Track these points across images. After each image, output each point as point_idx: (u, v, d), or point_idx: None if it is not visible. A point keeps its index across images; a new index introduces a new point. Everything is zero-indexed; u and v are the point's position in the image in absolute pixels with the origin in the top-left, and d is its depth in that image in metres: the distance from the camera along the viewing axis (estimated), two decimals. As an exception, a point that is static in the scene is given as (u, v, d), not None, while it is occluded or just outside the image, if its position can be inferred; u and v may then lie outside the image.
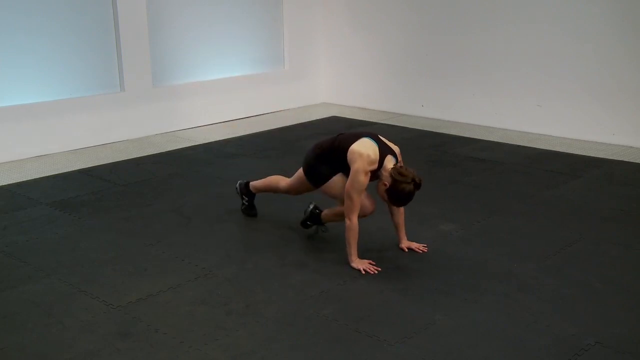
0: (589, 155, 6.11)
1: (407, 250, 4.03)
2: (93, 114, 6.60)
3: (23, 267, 3.89)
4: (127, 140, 6.83)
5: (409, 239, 4.10)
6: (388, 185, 3.65)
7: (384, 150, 3.75)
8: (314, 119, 7.84)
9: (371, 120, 7.66)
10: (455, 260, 3.93)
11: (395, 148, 3.87)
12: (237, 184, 4.67)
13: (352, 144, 3.76)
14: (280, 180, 4.41)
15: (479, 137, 6.82)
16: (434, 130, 7.18)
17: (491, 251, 4.05)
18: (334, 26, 8.50)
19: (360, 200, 3.77)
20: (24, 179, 5.53)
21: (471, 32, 7.27)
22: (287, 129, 7.32)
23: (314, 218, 4.27)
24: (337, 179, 3.90)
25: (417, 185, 3.62)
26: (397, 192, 3.63)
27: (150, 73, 6.95)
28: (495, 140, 6.71)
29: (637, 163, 5.84)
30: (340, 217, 3.99)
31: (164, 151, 6.43)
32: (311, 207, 4.28)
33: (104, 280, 3.71)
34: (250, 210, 4.63)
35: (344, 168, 3.84)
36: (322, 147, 4.01)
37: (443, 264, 3.88)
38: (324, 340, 3.09)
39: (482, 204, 4.88)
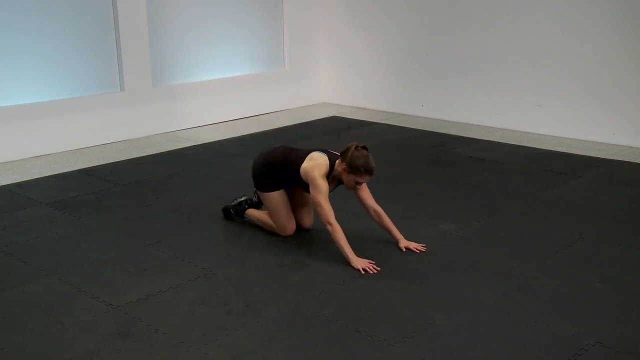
0: (589, 155, 6.11)
1: (405, 250, 4.03)
2: (93, 114, 6.60)
3: (23, 267, 3.89)
4: (127, 140, 6.83)
5: (409, 238, 4.10)
6: (346, 167, 3.82)
7: (333, 156, 3.98)
8: (314, 119, 7.84)
9: (371, 120, 7.66)
10: (455, 260, 3.93)
11: None
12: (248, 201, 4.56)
13: (302, 162, 3.96)
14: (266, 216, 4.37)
15: (479, 137, 6.82)
16: (434, 130, 7.18)
17: (491, 251, 4.05)
18: (334, 26, 8.50)
19: (287, 219, 4.18)
20: (24, 179, 5.53)
21: (471, 32, 7.27)
22: (287, 129, 7.32)
23: (238, 212, 4.50)
24: (275, 195, 4.17)
25: (362, 145, 3.82)
26: (353, 163, 3.79)
27: (150, 73, 6.95)
28: (495, 140, 6.71)
29: (637, 163, 5.84)
30: (261, 223, 4.34)
31: (164, 151, 6.43)
32: (242, 199, 4.51)
33: (104, 280, 3.72)
34: (257, 207, 4.57)
35: (293, 183, 4.10)
36: (273, 159, 4.15)
37: (443, 264, 3.88)
38: (324, 340, 3.09)
39: (482, 204, 4.88)
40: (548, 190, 5.17)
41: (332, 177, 3.94)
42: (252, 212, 4.45)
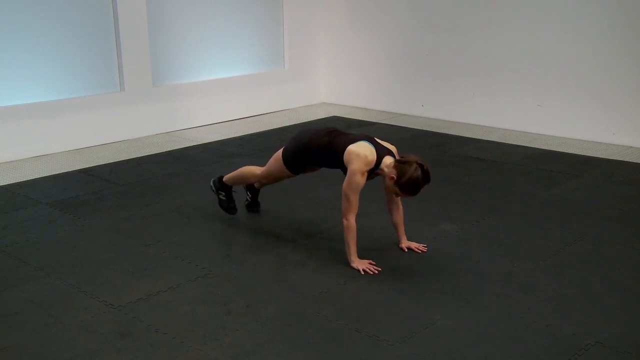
0: (589, 155, 6.11)
1: (406, 250, 4.03)
2: (93, 114, 6.60)
3: (23, 267, 3.89)
4: (127, 140, 6.83)
5: (409, 238, 4.10)
6: (395, 177, 3.65)
7: (381, 151, 3.78)
8: (314, 119, 7.84)
9: (371, 120, 7.66)
10: (455, 260, 3.93)
11: (392, 147, 3.90)
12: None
13: (348, 145, 3.78)
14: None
15: (479, 137, 6.82)
16: (434, 130, 7.18)
17: (491, 251, 4.05)
18: (334, 26, 8.50)
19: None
20: (24, 179, 5.54)
21: (471, 32, 7.27)
22: (287, 129, 7.32)
23: (219, 188, 4.59)
24: (289, 173, 4.15)
25: (424, 170, 3.62)
26: (406, 180, 3.62)
27: (150, 73, 6.95)
28: (495, 140, 6.71)
29: (637, 163, 5.84)
30: (240, 178, 4.46)
31: (164, 151, 6.43)
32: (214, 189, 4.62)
33: (104, 280, 3.72)
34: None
35: (333, 165, 3.94)
36: (317, 146, 3.95)
37: (443, 264, 3.88)
38: (324, 340, 3.09)
39: (482, 204, 4.88)
40: (548, 190, 5.17)
41: (374, 173, 3.78)
42: (229, 178, 4.51)
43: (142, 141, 6.80)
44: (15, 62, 6.06)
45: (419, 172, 3.61)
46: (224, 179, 4.55)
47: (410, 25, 7.77)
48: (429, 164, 3.68)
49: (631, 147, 6.32)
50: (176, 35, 7.21)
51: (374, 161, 3.72)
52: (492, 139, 6.74)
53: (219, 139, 6.89)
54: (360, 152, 3.72)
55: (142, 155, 6.28)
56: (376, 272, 3.75)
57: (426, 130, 7.16)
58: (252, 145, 6.63)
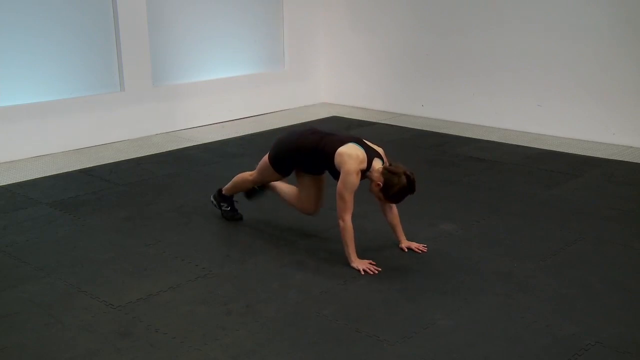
0: (589, 155, 6.11)
1: (406, 250, 4.03)
2: (93, 114, 6.60)
3: (23, 267, 3.89)
4: (127, 140, 6.83)
5: (409, 238, 4.10)
6: (381, 184, 3.70)
7: (370, 154, 3.81)
8: (314, 119, 7.84)
9: (371, 120, 7.67)
10: (455, 260, 3.93)
11: (379, 149, 3.93)
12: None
13: (338, 147, 3.81)
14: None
15: (479, 137, 6.82)
16: (434, 130, 7.18)
17: (491, 251, 4.05)
18: (334, 26, 8.50)
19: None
20: (24, 179, 5.54)
21: (471, 32, 7.27)
22: (287, 129, 7.31)
23: (229, 204, 4.58)
24: (270, 169, 4.15)
25: (410, 180, 3.67)
26: (391, 188, 3.68)
27: (150, 73, 6.95)
28: (495, 140, 6.71)
29: (637, 163, 5.84)
30: (236, 187, 4.45)
31: (164, 151, 6.43)
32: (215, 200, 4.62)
33: (104, 280, 3.72)
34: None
35: (319, 169, 3.99)
36: (303, 144, 3.99)
37: (443, 264, 3.88)
38: (324, 340, 3.09)
39: (482, 204, 4.88)
40: (548, 190, 5.17)
41: (364, 175, 3.80)
42: (227, 190, 4.51)
43: (142, 141, 6.80)
44: (15, 62, 6.06)
45: (404, 182, 3.67)
46: (223, 192, 4.56)
47: (410, 25, 7.77)
48: (415, 175, 3.71)
49: (631, 147, 6.32)
50: (176, 35, 7.21)
51: (366, 161, 3.76)
52: (492, 139, 6.74)
53: (219, 139, 6.89)
54: (352, 152, 3.76)
55: (142, 155, 6.28)
56: (376, 272, 3.75)
57: (426, 130, 7.16)
58: (252, 145, 6.63)
